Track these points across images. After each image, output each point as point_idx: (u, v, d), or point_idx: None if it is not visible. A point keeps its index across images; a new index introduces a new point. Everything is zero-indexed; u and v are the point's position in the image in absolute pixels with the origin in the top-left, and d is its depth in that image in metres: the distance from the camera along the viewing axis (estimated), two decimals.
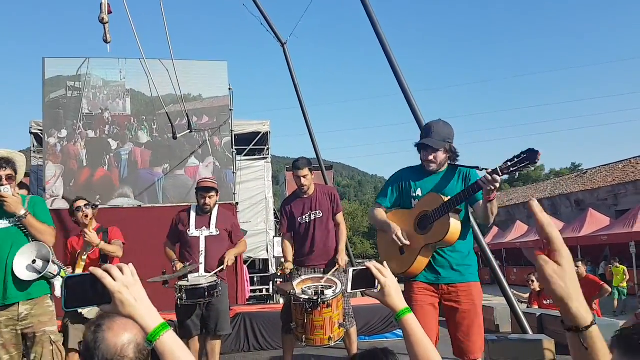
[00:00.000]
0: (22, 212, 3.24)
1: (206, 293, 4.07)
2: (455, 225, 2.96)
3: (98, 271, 1.23)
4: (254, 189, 10.80)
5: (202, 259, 4.33)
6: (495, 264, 5.76)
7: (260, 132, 10.93)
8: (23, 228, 3.30)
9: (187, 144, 9.22)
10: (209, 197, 4.46)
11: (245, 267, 10.59)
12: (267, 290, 12.12)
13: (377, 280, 1.63)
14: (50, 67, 9.41)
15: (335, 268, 4.31)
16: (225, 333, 4.50)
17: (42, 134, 10.21)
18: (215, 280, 4.18)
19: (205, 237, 4.41)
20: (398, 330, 6.36)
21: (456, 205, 2.93)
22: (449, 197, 2.97)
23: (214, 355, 4.38)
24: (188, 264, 4.29)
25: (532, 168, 2.84)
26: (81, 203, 4.18)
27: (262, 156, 11.14)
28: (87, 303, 1.28)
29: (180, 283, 4.11)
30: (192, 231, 4.42)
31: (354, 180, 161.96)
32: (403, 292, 3.22)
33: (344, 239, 4.57)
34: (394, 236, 3.05)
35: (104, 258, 4.12)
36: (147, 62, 7.82)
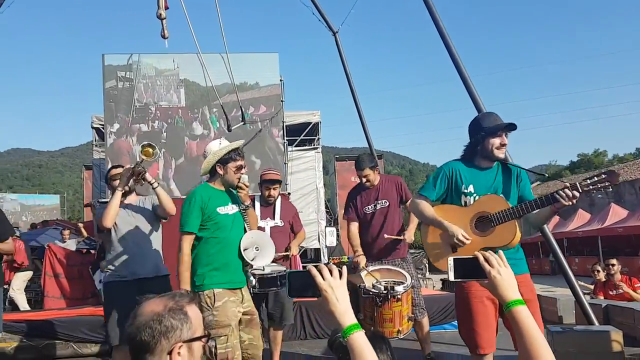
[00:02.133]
0: (248, 202, 3.52)
1: (278, 282, 4.07)
2: (520, 230, 2.88)
3: (313, 270, 1.47)
4: (305, 179, 10.84)
5: None
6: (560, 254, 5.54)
7: (310, 123, 10.95)
8: (245, 216, 3.51)
9: (242, 135, 9.24)
10: (274, 189, 4.60)
11: (297, 256, 10.70)
12: None
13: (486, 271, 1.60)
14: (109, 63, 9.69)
15: (401, 258, 4.39)
16: (289, 323, 4.62)
17: (102, 128, 10.65)
18: (285, 270, 4.18)
19: (271, 227, 4.56)
20: (455, 321, 6.24)
21: (526, 213, 2.83)
22: (524, 202, 2.85)
23: (276, 344, 4.49)
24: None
25: (610, 189, 2.73)
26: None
27: (312, 146, 11.17)
28: (305, 294, 1.51)
29: (255, 272, 4.06)
30: (258, 222, 4.44)
31: (405, 169, 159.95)
32: (457, 288, 3.16)
33: (415, 221, 4.43)
34: (456, 239, 2.91)
35: None
36: (201, 55, 7.90)
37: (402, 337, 3.79)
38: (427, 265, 13.79)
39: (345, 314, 1.42)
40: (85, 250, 11.69)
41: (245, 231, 3.44)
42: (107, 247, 3.86)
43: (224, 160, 3.35)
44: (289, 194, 9.39)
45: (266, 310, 4.42)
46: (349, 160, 16.97)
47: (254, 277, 4.07)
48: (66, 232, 11.64)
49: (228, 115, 8.00)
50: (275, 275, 4.10)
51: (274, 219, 4.62)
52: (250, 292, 4.24)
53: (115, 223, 3.77)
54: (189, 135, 9.71)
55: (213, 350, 2.82)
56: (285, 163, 9.30)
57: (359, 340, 1.38)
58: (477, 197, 3.01)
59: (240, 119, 8.15)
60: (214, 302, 3.13)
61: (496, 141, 2.98)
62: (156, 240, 3.97)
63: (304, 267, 4.77)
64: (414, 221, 4.48)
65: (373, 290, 3.68)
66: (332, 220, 14.14)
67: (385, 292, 3.61)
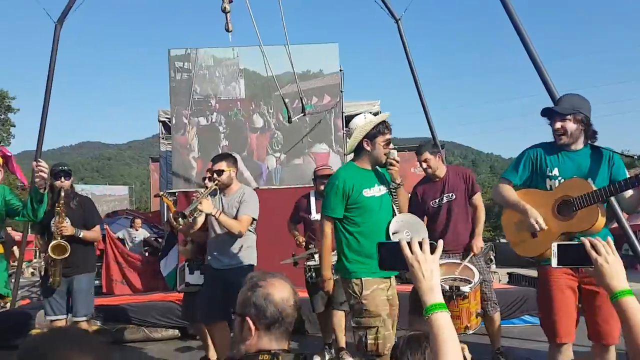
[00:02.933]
0: (400, 180, 3.21)
1: (333, 271, 4.18)
2: (603, 215, 2.77)
3: (402, 242, 1.44)
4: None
5: None
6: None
7: (370, 113, 10.85)
8: (395, 197, 3.24)
9: (303, 127, 9.15)
10: None
11: None
12: None
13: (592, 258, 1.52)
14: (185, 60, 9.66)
15: (470, 255, 4.19)
16: (343, 309, 4.63)
17: (168, 121, 10.99)
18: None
19: None
20: (526, 316, 6.06)
21: (610, 196, 2.72)
22: (605, 186, 2.73)
23: (341, 327, 4.61)
24: (312, 246, 4.58)
25: None
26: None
27: None
28: (396, 267, 1.50)
29: (308, 263, 4.45)
30: (314, 215, 4.71)
31: (467, 159, 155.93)
32: (539, 276, 3.06)
33: (482, 223, 4.40)
34: (534, 222, 2.85)
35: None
36: (262, 47, 7.93)
37: (470, 332, 3.73)
38: (493, 258, 13.43)
39: (430, 292, 1.38)
40: (154, 238, 12.18)
41: (394, 214, 3.19)
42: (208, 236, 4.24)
43: (371, 135, 3.10)
44: None
45: (327, 297, 4.56)
46: (408, 150, 16.68)
47: (310, 269, 4.40)
48: (137, 221, 12.18)
49: (288, 106, 8.04)
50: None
51: None
52: (308, 282, 4.41)
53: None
54: (249, 128, 9.55)
55: (363, 340, 2.86)
56: (345, 154, 9.26)
57: (439, 321, 1.33)
58: (562, 181, 2.91)
59: (301, 110, 8.20)
60: (362, 290, 2.98)
61: (552, 126, 2.94)
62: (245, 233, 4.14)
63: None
64: (481, 223, 4.41)
65: (447, 291, 3.60)
66: None
67: (450, 291, 3.55)
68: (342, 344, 4.63)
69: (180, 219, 3.88)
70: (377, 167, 3.19)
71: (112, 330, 5.91)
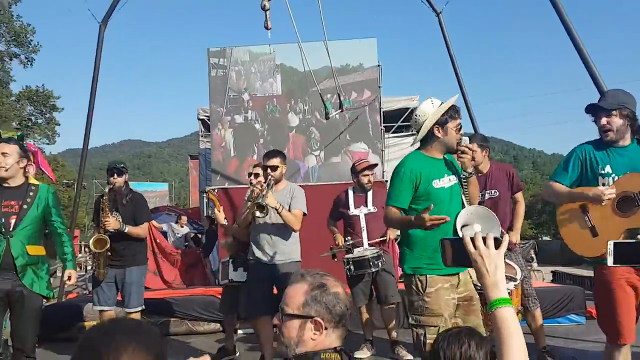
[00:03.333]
0: (472, 168, 2.97)
1: (371, 263, 4.44)
2: None
3: (465, 237, 1.43)
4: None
5: (364, 234, 4.66)
6: None
7: (408, 108, 10.73)
8: (465, 187, 3.00)
9: (341, 124, 9.01)
10: (371, 175, 4.84)
11: (395, 244, 10.59)
12: None
13: None
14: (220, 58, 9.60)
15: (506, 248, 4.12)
16: (395, 301, 4.76)
17: (207, 119, 11.14)
18: (378, 252, 4.52)
19: (365, 214, 4.73)
20: (571, 315, 5.92)
21: None
22: None
23: (390, 321, 4.76)
24: (349, 239, 4.66)
25: None
26: (255, 170, 4.71)
27: (410, 132, 10.95)
28: (460, 263, 1.49)
29: (347, 256, 4.52)
30: (352, 210, 4.77)
31: (509, 155, 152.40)
32: (596, 274, 2.96)
33: (521, 218, 4.40)
34: (599, 192, 2.73)
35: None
36: (300, 43, 7.90)
37: None
38: (534, 257, 13.11)
39: (494, 287, 1.38)
40: (193, 235, 12.41)
41: (464, 205, 2.97)
42: (252, 231, 4.33)
43: (442, 121, 2.87)
44: (386, 181, 9.28)
45: (368, 290, 4.74)
46: None
47: (349, 262, 4.45)
48: (184, 218, 12.47)
49: (325, 102, 8.03)
50: (367, 257, 4.45)
51: (367, 205, 4.76)
52: (347, 275, 4.46)
53: None
54: (287, 127, 9.42)
55: (422, 339, 2.81)
56: (382, 150, 9.19)
57: (504, 316, 1.34)
58: (615, 178, 2.84)
59: (338, 106, 8.18)
60: (426, 287, 2.81)
61: (597, 122, 2.89)
62: (290, 229, 4.21)
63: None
64: (520, 218, 4.38)
65: (479, 284, 3.55)
66: None
67: None
68: (396, 337, 4.78)
69: (257, 212, 3.93)
70: (446, 155, 3.00)
71: (157, 323, 6.05)
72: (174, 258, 9.92)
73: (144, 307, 4.80)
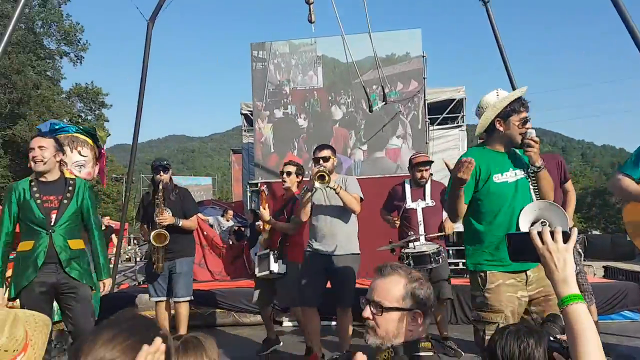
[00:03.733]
0: (540, 162, 2.76)
1: (431, 259, 4.38)
2: None
3: (532, 232, 1.41)
4: (448, 160, 10.39)
5: (421, 229, 4.56)
6: None
7: (454, 99, 10.53)
8: (534, 181, 2.83)
9: (385, 116, 8.82)
10: (425, 171, 4.73)
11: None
12: (463, 263, 11.79)
13: None
14: (260, 53, 9.53)
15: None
16: (448, 297, 4.67)
17: (250, 114, 11.23)
18: (439, 248, 4.45)
19: (422, 208, 4.64)
20: (625, 311, 5.72)
21: None
22: None
23: (442, 317, 4.70)
24: (411, 233, 4.53)
25: None
26: (286, 169, 4.80)
27: (456, 124, 10.74)
28: (528, 259, 1.47)
29: (406, 251, 4.43)
30: (409, 204, 4.70)
31: (557, 146, 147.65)
32: None
33: (572, 207, 4.37)
34: None
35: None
36: (344, 36, 7.82)
37: None
38: (582, 252, 12.61)
39: (564, 283, 1.34)
40: (237, 227, 12.60)
41: (532, 200, 2.80)
42: (309, 222, 4.38)
43: (504, 114, 2.77)
44: (431, 174, 9.10)
45: None
46: None
47: (408, 256, 4.37)
48: (230, 212, 12.72)
49: (369, 94, 7.93)
50: (428, 252, 4.38)
51: (424, 199, 4.68)
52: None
53: (312, 202, 4.30)
54: (331, 120, 9.29)
55: (481, 335, 2.79)
56: (426, 142, 9.05)
57: (576, 312, 1.30)
58: None
59: (382, 98, 8.08)
60: (486, 283, 2.74)
61: None
62: (348, 220, 4.26)
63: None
64: (571, 207, 4.33)
65: None
66: None
67: None
68: (446, 334, 4.73)
69: (318, 182, 3.97)
70: (514, 148, 2.86)
71: (205, 314, 6.18)
72: (219, 250, 10.09)
73: (192, 297, 4.91)
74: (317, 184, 3.98)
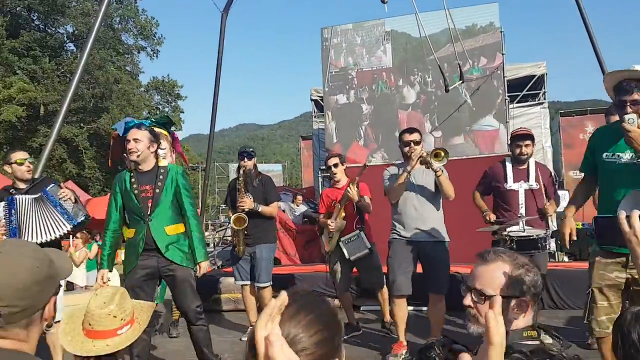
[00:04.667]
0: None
1: (538, 244, 4.06)
2: None
3: (620, 215, 1.36)
4: None
5: (522, 211, 4.18)
6: None
7: (535, 75, 9.98)
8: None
9: (460, 96, 8.37)
10: (525, 146, 4.26)
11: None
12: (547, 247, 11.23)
13: None
14: (330, 37, 9.26)
15: None
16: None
17: (320, 100, 11.19)
18: (545, 232, 4.15)
19: (525, 190, 4.26)
20: None
21: None
22: None
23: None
24: (522, 214, 4.18)
25: None
26: (332, 162, 4.92)
27: (537, 101, 10.18)
28: (615, 242, 1.45)
29: (512, 234, 4.04)
30: (510, 184, 4.30)
31: None
32: None
33: None
34: None
35: (358, 210, 4.73)
36: (418, 15, 7.53)
37: None
38: None
39: None
40: (309, 212, 12.70)
41: None
42: (393, 209, 4.27)
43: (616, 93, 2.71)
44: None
45: None
46: (576, 115, 15.16)
47: (512, 240, 4.01)
48: (299, 198, 12.91)
49: (444, 73, 7.58)
50: (535, 237, 4.03)
51: (528, 180, 4.28)
52: None
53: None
54: (399, 104, 8.80)
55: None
56: (506, 122, 8.62)
57: None
58: None
59: (459, 77, 7.74)
60: (589, 258, 2.91)
61: None
62: (439, 206, 4.20)
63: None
64: None
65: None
66: (558, 183, 12.76)
67: None
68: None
69: (434, 161, 3.93)
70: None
71: None
72: (293, 234, 10.22)
73: (272, 282, 4.97)
74: (435, 164, 3.92)
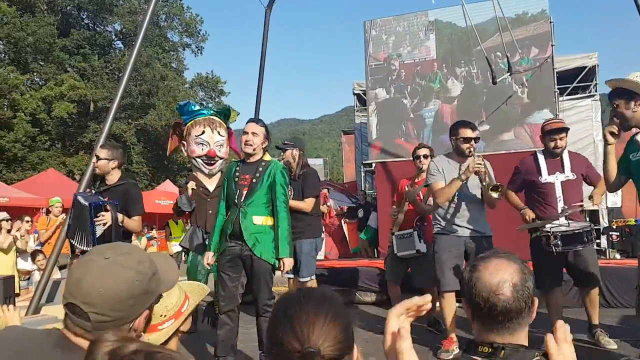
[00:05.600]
0: None
1: (585, 238, 3.85)
2: None
3: None
4: (580, 132, 9.51)
5: (559, 205, 4.03)
6: None
7: (585, 67, 9.61)
8: None
9: (508, 88, 8.01)
10: (560, 139, 4.11)
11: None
12: (598, 244, 10.83)
13: None
14: (370, 30, 9.12)
15: None
16: (598, 284, 4.16)
17: (363, 94, 11.11)
18: (590, 225, 3.98)
19: (561, 182, 4.09)
20: None
21: None
22: None
23: (593, 306, 4.17)
24: (565, 207, 4.00)
25: None
26: (422, 152, 4.85)
27: (588, 94, 9.80)
28: None
29: (554, 229, 3.87)
30: (545, 177, 4.13)
31: None
32: None
33: None
34: None
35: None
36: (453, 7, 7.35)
37: None
38: None
39: None
40: (350, 207, 12.68)
41: None
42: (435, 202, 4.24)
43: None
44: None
45: (561, 273, 4.16)
46: None
47: (556, 236, 3.84)
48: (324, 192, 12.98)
49: (491, 64, 7.37)
50: (581, 231, 3.84)
51: (563, 172, 4.11)
52: (552, 251, 3.89)
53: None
54: (442, 98, 8.56)
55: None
56: (556, 114, 8.32)
57: None
58: None
59: (506, 69, 7.52)
60: None
61: None
62: (483, 202, 4.16)
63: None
64: None
65: None
66: None
67: None
68: (596, 321, 4.21)
69: (494, 194, 3.89)
70: None
71: None
72: (329, 229, 10.24)
73: (313, 277, 4.95)
74: (495, 195, 3.88)
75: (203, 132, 4.73)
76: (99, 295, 1.17)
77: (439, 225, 4.21)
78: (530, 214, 4.13)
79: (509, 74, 7.31)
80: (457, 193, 4.05)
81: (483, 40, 7.57)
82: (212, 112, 4.99)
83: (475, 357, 1.30)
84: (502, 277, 1.33)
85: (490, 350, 1.30)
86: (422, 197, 4.84)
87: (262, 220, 3.68)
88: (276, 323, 1.05)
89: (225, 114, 5.00)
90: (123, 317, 1.21)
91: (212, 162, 4.74)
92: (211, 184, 4.72)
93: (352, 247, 10.76)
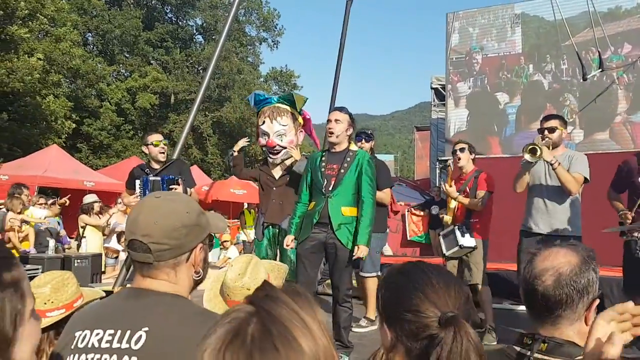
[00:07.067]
0: None
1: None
2: None
3: None
4: None
5: None
6: None
7: None
8: None
9: (598, 86, 7.57)
10: None
11: None
12: None
13: None
14: (452, 22, 8.97)
15: None
16: None
17: (441, 88, 10.85)
18: None
19: None
20: None
21: None
22: None
23: None
24: None
25: None
26: (459, 146, 4.74)
27: None
28: None
29: None
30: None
31: None
32: None
33: None
34: None
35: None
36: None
37: None
38: None
39: None
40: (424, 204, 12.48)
41: None
42: (526, 199, 4.16)
43: None
44: None
45: None
46: None
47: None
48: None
49: (582, 60, 6.96)
50: None
51: None
52: (627, 259, 3.74)
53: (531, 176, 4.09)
54: (527, 93, 8.29)
55: None
56: None
57: None
58: None
59: (598, 65, 7.09)
60: None
61: None
62: (569, 199, 3.98)
63: None
64: None
65: None
66: None
67: None
68: None
69: (528, 155, 3.79)
70: None
71: None
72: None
73: (379, 273, 4.87)
74: (527, 157, 3.74)
75: (263, 123, 4.71)
76: (155, 226, 1.26)
77: (524, 223, 4.12)
78: (628, 217, 3.85)
79: (600, 70, 6.89)
80: (539, 190, 3.98)
81: (573, 34, 7.19)
82: (277, 99, 4.98)
83: (516, 347, 1.28)
84: (550, 264, 1.30)
85: (531, 342, 1.27)
86: (468, 192, 4.65)
87: (349, 210, 3.71)
88: (406, 292, 1.07)
89: (289, 99, 4.96)
90: (179, 246, 1.29)
91: (275, 152, 4.67)
92: (276, 173, 4.73)
93: (411, 236, 10.59)
